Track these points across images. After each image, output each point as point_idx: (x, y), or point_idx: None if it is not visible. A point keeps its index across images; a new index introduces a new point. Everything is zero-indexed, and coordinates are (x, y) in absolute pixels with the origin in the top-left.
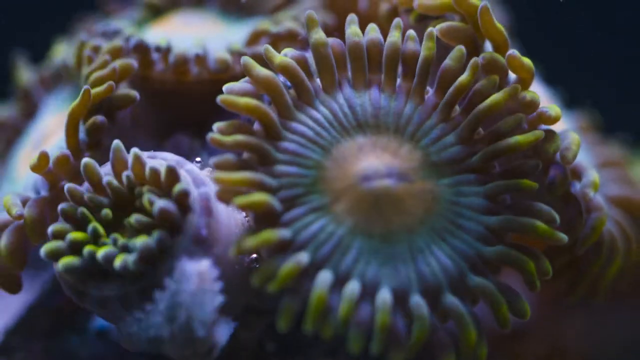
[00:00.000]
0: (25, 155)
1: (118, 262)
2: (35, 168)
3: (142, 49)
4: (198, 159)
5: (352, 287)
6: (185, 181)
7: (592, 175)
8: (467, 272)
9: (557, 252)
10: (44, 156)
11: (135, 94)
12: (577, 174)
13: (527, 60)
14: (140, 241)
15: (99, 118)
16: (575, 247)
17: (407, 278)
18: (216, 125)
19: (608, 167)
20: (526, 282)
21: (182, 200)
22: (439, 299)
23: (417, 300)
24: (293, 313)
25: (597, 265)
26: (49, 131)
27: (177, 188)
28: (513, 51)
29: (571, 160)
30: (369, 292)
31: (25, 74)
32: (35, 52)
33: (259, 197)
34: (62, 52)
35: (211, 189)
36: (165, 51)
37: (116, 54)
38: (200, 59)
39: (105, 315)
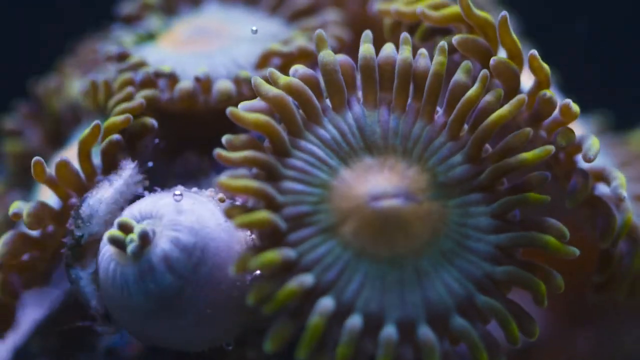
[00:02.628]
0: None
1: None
2: (36, 176)
3: (149, 82)
4: (178, 192)
5: (354, 323)
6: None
7: (619, 175)
8: (475, 292)
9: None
10: (38, 164)
11: (152, 122)
12: (600, 176)
13: (545, 66)
14: None
15: (115, 137)
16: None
17: (414, 305)
18: (225, 139)
19: (627, 166)
20: (535, 301)
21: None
22: (447, 323)
23: (425, 332)
24: (286, 336)
25: (636, 262)
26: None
27: (137, 230)
28: (534, 51)
29: (594, 158)
30: (373, 324)
31: (58, 103)
32: (38, 68)
33: (261, 215)
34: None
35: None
36: (171, 82)
37: (126, 84)
38: (205, 89)
39: None
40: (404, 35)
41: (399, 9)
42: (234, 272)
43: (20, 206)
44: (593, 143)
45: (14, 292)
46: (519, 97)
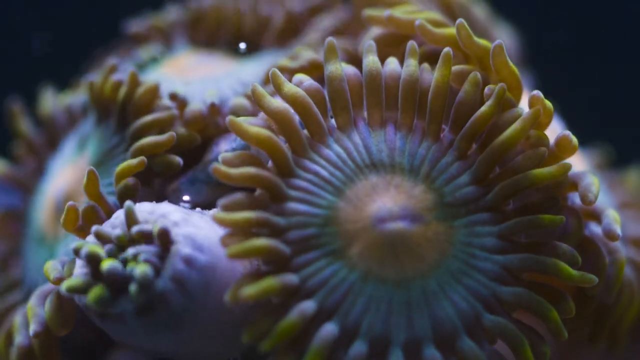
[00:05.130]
0: (48, 216)
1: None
2: (65, 225)
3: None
4: (186, 197)
5: (358, 350)
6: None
7: (612, 213)
8: (483, 312)
9: (581, 300)
10: (72, 209)
11: (179, 161)
12: (593, 215)
13: (548, 103)
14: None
15: (130, 180)
16: (601, 293)
17: (421, 327)
18: (222, 155)
19: (626, 208)
20: (550, 332)
21: (164, 238)
22: (455, 344)
23: (432, 353)
24: None
25: (617, 311)
26: (70, 190)
27: (157, 228)
28: (537, 92)
29: (594, 201)
30: (378, 348)
31: (25, 125)
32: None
33: (259, 242)
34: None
35: (199, 229)
36: (180, 107)
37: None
38: (215, 109)
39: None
40: (411, 44)
41: (394, 16)
42: (228, 300)
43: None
44: (592, 183)
45: None
46: (532, 111)
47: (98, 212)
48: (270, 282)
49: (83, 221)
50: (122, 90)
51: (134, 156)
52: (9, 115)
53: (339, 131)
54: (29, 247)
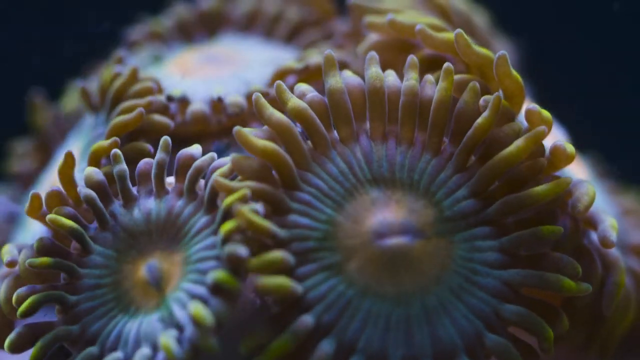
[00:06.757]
0: None
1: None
2: (29, 212)
3: (162, 107)
4: None
5: None
6: None
7: (609, 219)
8: (484, 331)
9: (576, 308)
10: (36, 198)
11: (149, 147)
12: (591, 223)
13: (546, 114)
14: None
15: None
16: (597, 304)
17: (421, 344)
18: (233, 158)
19: (629, 215)
20: (541, 348)
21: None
22: None
23: None
24: None
25: (611, 320)
26: (53, 179)
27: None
28: (533, 106)
29: (583, 212)
30: None
31: (44, 116)
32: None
33: (274, 256)
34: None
35: None
36: (182, 106)
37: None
38: (217, 105)
39: None
40: (412, 58)
41: (396, 21)
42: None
43: (13, 252)
44: (586, 192)
45: None
46: (537, 130)
47: (62, 197)
48: (283, 281)
49: (47, 205)
50: (118, 82)
51: (107, 137)
52: (29, 108)
53: (342, 144)
54: (17, 230)
